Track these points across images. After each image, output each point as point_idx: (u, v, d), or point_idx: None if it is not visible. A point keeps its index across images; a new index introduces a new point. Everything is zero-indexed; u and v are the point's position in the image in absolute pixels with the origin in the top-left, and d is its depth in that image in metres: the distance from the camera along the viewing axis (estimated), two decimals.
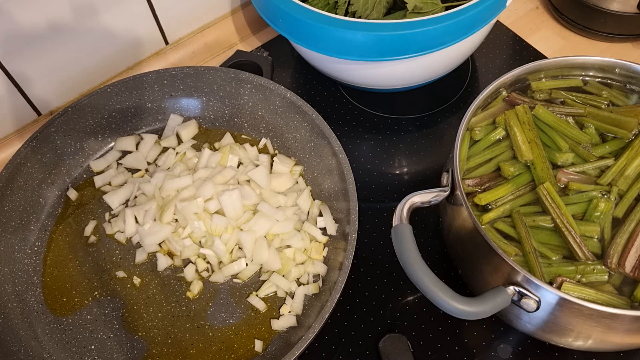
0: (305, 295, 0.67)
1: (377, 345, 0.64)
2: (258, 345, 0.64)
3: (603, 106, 0.64)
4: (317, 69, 0.81)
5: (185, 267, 0.69)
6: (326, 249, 0.70)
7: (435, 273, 0.53)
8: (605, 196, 0.58)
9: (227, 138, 0.79)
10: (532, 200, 0.59)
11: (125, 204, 0.74)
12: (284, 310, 0.66)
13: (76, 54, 0.80)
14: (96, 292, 0.69)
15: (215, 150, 0.78)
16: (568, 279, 0.53)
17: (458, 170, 0.57)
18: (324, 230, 0.71)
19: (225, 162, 0.75)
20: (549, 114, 0.62)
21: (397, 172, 0.78)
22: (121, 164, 0.78)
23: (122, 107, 0.78)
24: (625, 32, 0.86)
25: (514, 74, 0.64)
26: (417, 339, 0.65)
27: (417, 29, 0.65)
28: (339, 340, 0.66)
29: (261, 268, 0.69)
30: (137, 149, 0.79)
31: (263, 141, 0.78)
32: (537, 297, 0.52)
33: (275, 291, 0.68)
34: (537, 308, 0.52)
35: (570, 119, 0.63)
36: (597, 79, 0.66)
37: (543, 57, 0.87)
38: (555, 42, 0.89)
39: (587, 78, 0.66)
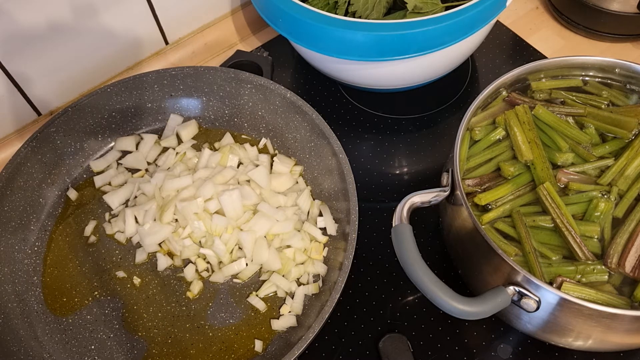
0: (305, 295, 0.67)
1: (377, 345, 0.64)
2: (258, 345, 0.64)
3: (603, 106, 0.64)
4: (317, 69, 0.81)
5: (185, 267, 0.69)
6: (326, 249, 0.70)
7: (435, 273, 0.53)
8: (605, 196, 0.58)
9: (227, 138, 0.79)
10: (532, 200, 0.59)
11: (125, 204, 0.74)
12: (284, 310, 0.66)
13: (76, 54, 0.80)
14: (96, 292, 0.69)
15: (215, 150, 0.78)
16: (568, 279, 0.53)
17: (458, 170, 0.57)
18: (324, 230, 0.71)
19: (225, 162, 0.75)
20: (549, 114, 0.62)
21: (397, 172, 0.78)
22: (121, 164, 0.78)
23: (122, 107, 0.78)
24: (625, 32, 0.86)
25: (514, 74, 0.64)
26: (417, 339, 0.65)
27: (417, 29, 0.65)
28: (339, 340, 0.66)
29: (261, 268, 0.69)
30: (137, 149, 0.79)
31: (263, 141, 0.78)
32: (537, 297, 0.52)
33: (275, 291, 0.68)
34: (537, 308, 0.52)
35: (570, 119, 0.63)
36: (597, 79, 0.66)
37: (543, 57, 0.87)
38: (555, 42, 0.89)
39: (587, 78, 0.66)
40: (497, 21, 0.91)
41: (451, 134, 0.81)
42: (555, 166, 0.60)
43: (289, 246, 0.69)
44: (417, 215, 0.69)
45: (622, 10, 0.83)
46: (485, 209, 0.59)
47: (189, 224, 0.69)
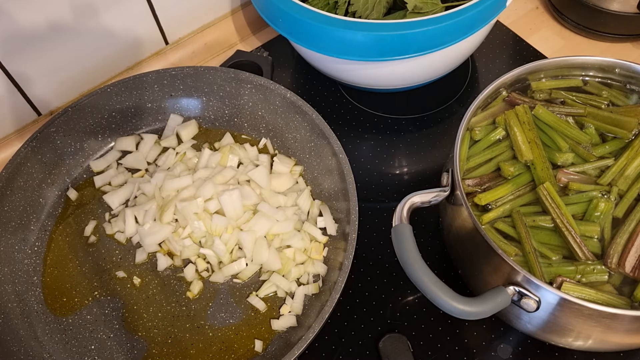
0: (305, 295, 0.67)
1: (377, 345, 0.64)
2: (258, 345, 0.64)
3: (603, 106, 0.64)
4: (317, 69, 0.81)
5: (185, 267, 0.69)
6: (326, 249, 0.70)
7: (435, 273, 0.53)
8: (605, 196, 0.58)
9: (227, 138, 0.79)
10: (532, 200, 0.59)
11: (125, 204, 0.74)
12: (284, 310, 0.66)
13: (76, 54, 0.80)
14: (96, 292, 0.69)
15: (215, 150, 0.78)
16: (568, 279, 0.53)
17: (458, 170, 0.57)
18: (324, 230, 0.71)
19: (225, 162, 0.75)
20: (549, 114, 0.62)
21: (397, 172, 0.78)
22: (121, 164, 0.78)
23: (122, 107, 0.78)
24: (625, 32, 0.86)
25: (514, 74, 0.64)
26: (417, 339, 0.65)
27: (417, 29, 0.65)
28: (339, 340, 0.66)
29: (261, 268, 0.69)
30: (137, 149, 0.79)
31: (263, 141, 0.78)
32: (537, 297, 0.52)
33: (275, 291, 0.68)
34: (537, 308, 0.52)
35: (570, 119, 0.63)
36: (597, 79, 0.66)
37: (543, 57, 0.87)
38: (555, 42, 0.89)
39: (587, 78, 0.66)
40: (497, 21, 0.91)
41: (451, 134, 0.81)
42: (555, 166, 0.60)
43: (289, 246, 0.69)
44: (417, 215, 0.69)
45: (622, 10, 0.83)
46: (485, 209, 0.59)
47: (189, 224, 0.69)
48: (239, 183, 0.73)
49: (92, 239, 0.72)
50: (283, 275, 0.68)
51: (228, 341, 0.65)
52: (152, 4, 0.83)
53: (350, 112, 0.84)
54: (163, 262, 0.70)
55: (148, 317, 0.67)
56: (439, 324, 0.66)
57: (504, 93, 0.65)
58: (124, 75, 0.87)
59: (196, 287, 0.68)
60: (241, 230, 0.69)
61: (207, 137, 0.80)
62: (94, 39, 0.81)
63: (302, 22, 0.68)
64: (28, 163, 0.72)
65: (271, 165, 0.76)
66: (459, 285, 0.62)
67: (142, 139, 0.79)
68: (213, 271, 0.69)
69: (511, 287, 0.53)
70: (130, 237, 0.72)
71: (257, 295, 0.67)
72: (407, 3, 0.70)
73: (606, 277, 0.54)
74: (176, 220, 0.70)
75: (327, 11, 0.70)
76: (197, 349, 0.65)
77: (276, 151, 0.78)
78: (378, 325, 0.66)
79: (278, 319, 0.66)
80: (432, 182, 0.76)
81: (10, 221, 0.70)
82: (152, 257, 0.71)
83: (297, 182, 0.75)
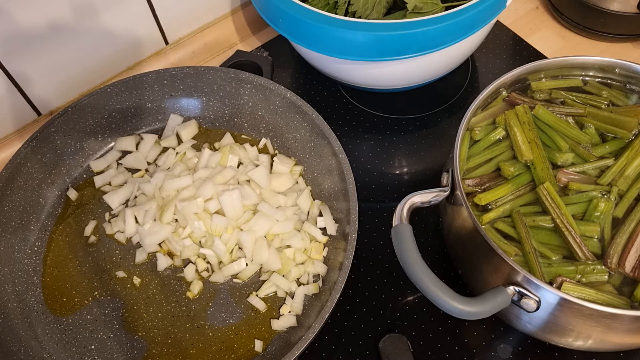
0: (305, 295, 0.67)
1: (377, 345, 0.64)
2: (258, 345, 0.64)
3: (603, 106, 0.64)
4: (317, 69, 0.81)
5: (185, 267, 0.69)
6: (326, 249, 0.70)
7: (435, 273, 0.53)
8: (605, 196, 0.58)
9: (227, 138, 0.79)
10: (532, 200, 0.59)
11: (125, 204, 0.74)
12: (284, 310, 0.66)
13: (76, 54, 0.80)
14: (96, 292, 0.69)
15: (215, 150, 0.78)
16: (568, 279, 0.53)
17: (458, 170, 0.57)
18: (324, 230, 0.71)
19: (225, 162, 0.75)
20: (549, 114, 0.62)
21: (397, 172, 0.78)
22: (121, 164, 0.78)
23: (122, 107, 0.78)
24: (625, 32, 0.86)
25: (514, 74, 0.64)
26: (417, 339, 0.65)
27: (417, 29, 0.65)
28: (339, 340, 0.66)
29: (261, 268, 0.69)
30: (137, 149, 0.79)
31: (263, 141, 0.78)
32: (537, 297, 0.52)
33: (275, 291, 0.68)
34: (537, 308, 0.52)
35: (570, 119, 0.63)
36: (597, 79, 0.66)
37: (543, 57, 0.87)
38: (555, 42, 0.89)
39: (587, 78, 0.66)
40: (497, 21, 0.91)
41: (451, 134, 0.81)
42: (555, 166, 0.60)
43: (289, 246, 0.69)
44: (417, 215, 0.69)
45: (622, 10, 0.83)
46: (485, 209, 0.59)
47: (189, 224, 0.69)
48: (239, 183, 0.73)
49: (92, 239, 0.72)
50: (283, 275, 0.68)
51: (228, 341, 0.65)
52: (152, 4, 0.83)
53: (350, 112, 0.84)
54: (163, 262, 0.70)
55: (148, 317, 0.67)
56: (439, 324, 0.66)
57: (504, 93, 0.65)
58: (124, 75, 0.87)
59: (196, 287, 0.68)
60: (241, 230, 0.69)
61: (207, 137, 0.80)
62: (94, 39, 0.81)
63: (302, 22, 0.68)
64: (28, 163, 0.72)
65: (271, 165, 0.76)
66: (459, 285, 0.62)
67: (142, 139, 0.79)
68: (213, 271, 0.69)
69: (511, 287, 0.53)
70: (130, 237, 0.72)
71: (257, 295, 0.67)
72: (407, 3, 0.70)
73: (606, 277, 0.54)
74: (176, 220, 0.70)
75: (327, 11, 0.70)
76: (197, 349, 0.65)
77: (276, 151, 0.78)
78: (378, 325, 0.66)
79: (278, 319, 0.66)
80: (432, 182, 0.76)
81: (10, 221, 0.70)
82: (152, 257, 0.71)
83: (297, 182, 0.75)
